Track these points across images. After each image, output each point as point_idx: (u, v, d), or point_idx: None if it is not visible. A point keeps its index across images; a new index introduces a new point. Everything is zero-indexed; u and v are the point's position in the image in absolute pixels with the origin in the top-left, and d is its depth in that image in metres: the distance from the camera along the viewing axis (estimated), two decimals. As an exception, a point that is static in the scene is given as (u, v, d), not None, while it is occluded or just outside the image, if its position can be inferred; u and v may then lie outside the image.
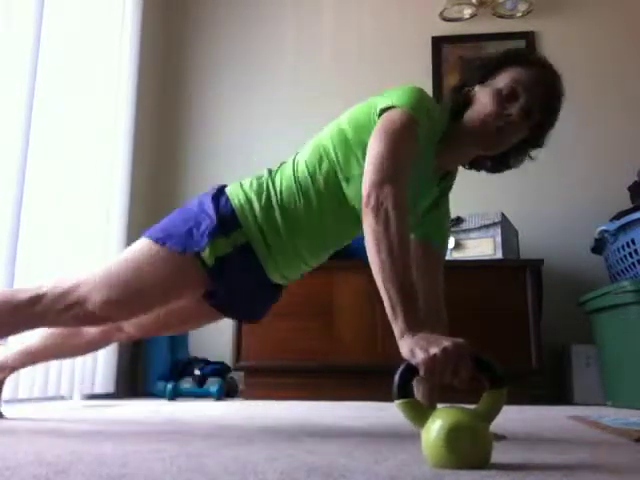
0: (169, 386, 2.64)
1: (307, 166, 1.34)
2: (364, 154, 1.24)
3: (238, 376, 2.92)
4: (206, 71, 3.58)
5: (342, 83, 3.38)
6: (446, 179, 1.43)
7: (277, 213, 1.34)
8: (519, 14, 3.37)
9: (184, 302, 1.46)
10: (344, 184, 1.31)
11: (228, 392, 2.84)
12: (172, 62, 3.60)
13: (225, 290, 1.39)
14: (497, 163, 1.42)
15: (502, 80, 1.30)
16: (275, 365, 2.69)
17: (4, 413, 1.66)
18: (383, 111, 1.24)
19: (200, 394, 2.74)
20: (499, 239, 2.74)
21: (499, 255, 2.73)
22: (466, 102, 1.34)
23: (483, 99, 1.31)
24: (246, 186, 1.38)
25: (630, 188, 2.77)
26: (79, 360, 2.53)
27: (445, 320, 1.39)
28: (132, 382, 3.08)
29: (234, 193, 1.37)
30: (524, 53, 1.39)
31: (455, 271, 2.69)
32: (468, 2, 3.34)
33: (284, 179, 1.36)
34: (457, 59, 3.40)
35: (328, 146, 1.33)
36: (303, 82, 3.47)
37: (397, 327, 1.02)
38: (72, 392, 2.51)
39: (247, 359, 2.71)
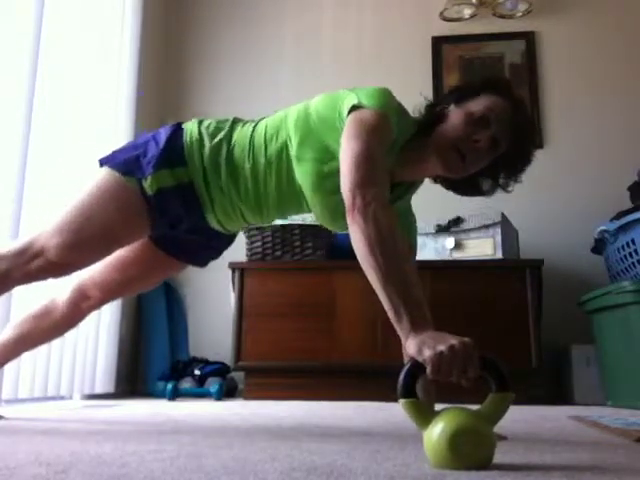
0: (169, 386, 2.64)
1: (266, 131, 1.36)
2: (320, 143, 1.29)
3: (238, 376, 2.92)
4: (206, 71, 3.58)
5: (342, 83, 3.36)
6: (401, 189, 1.41)
7: (223, 164, 1.36)
8: (519, 14, 3.37)
9: (136, 246, 1.50)
10: (294, 161, 1.33)
11: (228, 392, 2.84)
12: (172, 63, 3.60)
13: (165, 223, 1.40)
14: (465, 186, 1.40)
15: (477, 105, 1.29)
16: (275, 365, 2.69)
17: (4, 413, 1.66)
18: (352, 109, 1.24)
19: (200, 394, 2.74)
20: (499, 239, 2.74)
21: (499, 255, 2.72)
22: (438, 119, 1.32)
23: (454, 119, 1.30)
24: (204, 126, 1.40)
25: (630, 188, 2.77)
26: (79, 360, 2.53)
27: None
28: (132, 382, 3.08)
29: (189, 129, 1.40)
30: (505, 84, 1.37)
31: (455, 271, 2.72)
32: (468, 2, 3.33)
33: (242, 135, 1.38)
34: (457, 59, 3.39)
35: (291, 121, 1.35)
36: (303, 82, 3.46)
37: (403, 328, 1.01)
38: (72, 392, 2.51)
39: (247, 359, 2.70)
